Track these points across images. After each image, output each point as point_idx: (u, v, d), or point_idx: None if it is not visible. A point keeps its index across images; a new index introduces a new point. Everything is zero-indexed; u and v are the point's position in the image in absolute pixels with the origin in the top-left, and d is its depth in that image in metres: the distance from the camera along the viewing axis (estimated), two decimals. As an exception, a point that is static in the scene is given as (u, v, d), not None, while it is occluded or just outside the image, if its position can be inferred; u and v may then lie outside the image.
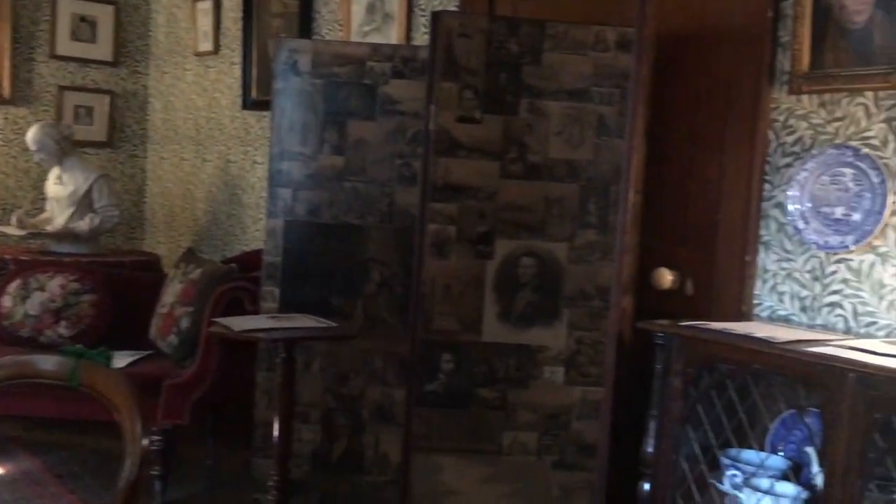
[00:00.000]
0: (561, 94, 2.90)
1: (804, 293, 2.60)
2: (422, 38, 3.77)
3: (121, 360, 3.75)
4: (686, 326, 2.33)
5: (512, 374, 2.94)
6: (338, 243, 3.48)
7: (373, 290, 3.47)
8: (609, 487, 2.67)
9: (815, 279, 2.57)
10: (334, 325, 3.14)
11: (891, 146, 2.41)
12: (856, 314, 2.47)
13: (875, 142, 2.44)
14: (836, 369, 1.97)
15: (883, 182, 2.40)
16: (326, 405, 3.46)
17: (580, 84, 2.90)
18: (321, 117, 3.44)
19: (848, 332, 2.47)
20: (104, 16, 5.54)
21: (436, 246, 2.91)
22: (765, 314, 2.69)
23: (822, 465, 2.03)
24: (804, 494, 2.21)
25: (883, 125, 2.43)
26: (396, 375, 3.37)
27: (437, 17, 2.90)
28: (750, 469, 2.32)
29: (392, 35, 3.93)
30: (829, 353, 2.03)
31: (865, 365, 1.94)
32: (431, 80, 2.89)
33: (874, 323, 2.43)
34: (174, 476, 3.67)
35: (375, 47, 3.48)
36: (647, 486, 2.37)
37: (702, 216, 2.87)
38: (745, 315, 2.71)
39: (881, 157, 2.42)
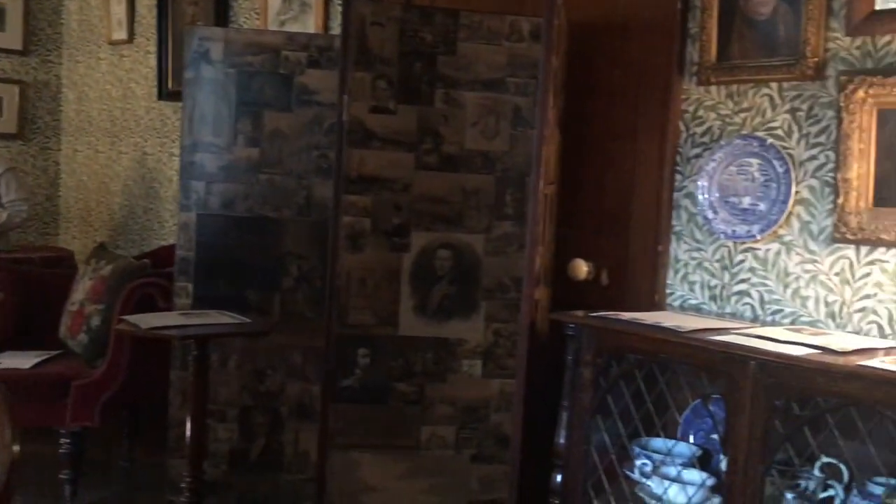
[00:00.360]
0: (476, 84, 2.87)
1: (714, 282, 2.63)
2: (339, 27, 3.70)
3: (27, 360, 3.60)
4: (595, 317, 2.33)
5: (429, 367, 2.91)
6: (254, 237, 3.40)
7: (290, 284, 3.40)
8: (526, 479, 2.66)
9: (724, 268, 2.61)
10: (248, 321, 3.07)
11: (794, 136, 2.45)
12: (762, 302, 2.51)
13: (780, 132, 2.48)
14: (738, 357, 1.99)
15: (787, 172, 2.44)
16: (244, 403, 3.38)
17: (495, 74, 2.88)
18: (235, 108, 3.35)
19: (755, 320, 2.50)
20: (13, 2, 5.31)
21: (350, 239, 2.86)
22: (677, 303, 2.72)
23: (724, 451, 2.05)
24: (710, 481, 2.23)
25: (787, 115, 2.47)
26: (316, 371, 3.31)
27: (348, 4, 2.84)
28: (659, 457, 2.33)
29: (310, 24, 3.86)
30: (730, 341, 2.05)
31: (766, 352, 1.96)
32: (344, 70, 2.84)
33: (780, 311, 2.47)
34: (86, 479, 3.55)
35: (290, 36, 3.41)
36: (559, 478, 2.37)
37: (617, 207, 2.88)
38: (657, 305, 2.73)
39: (785, 147, 2.46)
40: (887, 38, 2.26)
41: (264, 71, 3.33)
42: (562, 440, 2.35)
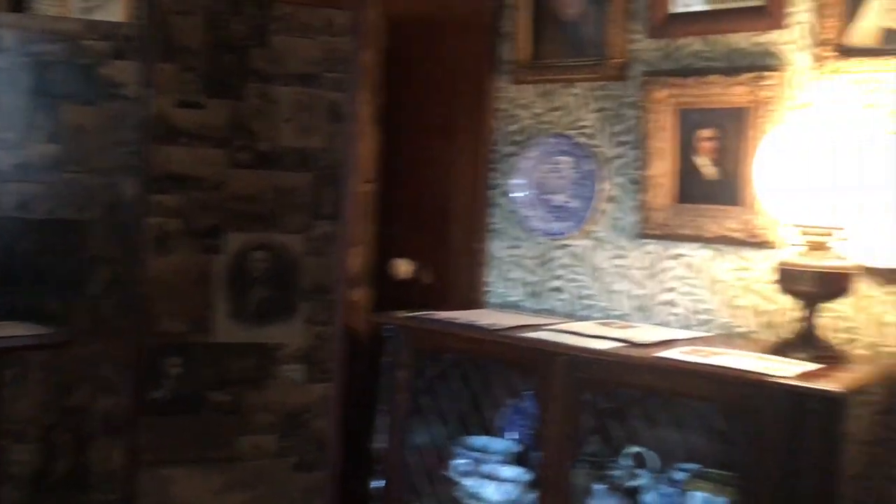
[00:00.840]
0: (291, 79, 2.78)
1: (531, 279, 2.66)
2: (149, 16, 3.48)
3: None
4: (411, 317, 2.29)
5: (247, 374, 2.79)
6: (56, 241, 3.12)
7: (98, 290, 3.15)
8: (349, 486, 2.60)
9: (541, 265, 2.64)
10: (46, 331, 2.81)
11: (602, 135, 2.51)
12: (576, 298, 2.56)
13: (589, 131, 2.54)
14: (547, 353, 2.00)
15: (596, 170, 2.50)
16: (46, 421, 3.11)
17: (311, 69, 2.79)
18: (29, 100, 3.07)
19: (571, 315, 2.54)
20: None
21: (159, 241, 2.69)
22: (496, 301, 2.73)
23: (538, 447, 2.06)
24: (526, 477, 2.24)
25: (595, 115, 2.52)
26: (127, 383, 3.10)
27: (151, -9, 2.66)
28: (478, 455, 2.33)
29: (117, 12, 3.60)
30: (540, 337, 2.06)
31: (573, 347, 1.98)
32: (147, 61, 2.66)
33: (593, 305, 2.53)
34: None
35: (91, 24, 3.15)
36: (379, 483, 2.31)
37: (437, 205, 2.87)
38: (477, 302, 2.73)
39: (594, 146, 2.52)
40: (684, 40, 2.35)
41: (62, 61, 3.07)
42: (380, 444, 2.30)
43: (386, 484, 2.31)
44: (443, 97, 2.81)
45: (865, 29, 2.06)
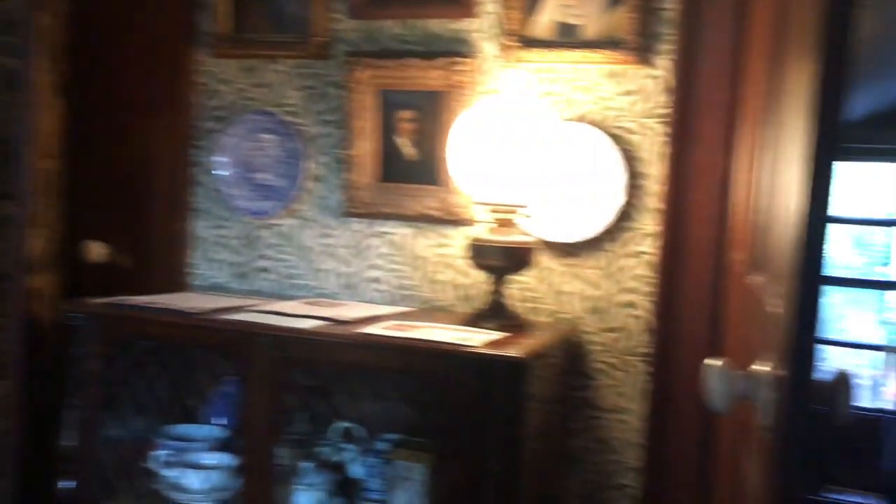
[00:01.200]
0: (-46, 39, 2.44)
1: (237, 260, 2.59)
2: None
3: None
4: (102, 304, 2.13)
5: None
6: None
7: None
8: (35, 490, 2.37)
9: (247, 245, 2.58)
10: None
11: (307, 113, 2.50)
12: (284, 278, 2.54)
13: (294, 109, 2.51)
14: (249, 335, 1.96)
15: (302, 148, 2.49)
16: None
17: (-22, 29, 2.47)
18: None
19: (278, 295, 2.51)
20: None
21: None
22: (202, 283, 2.63)
23: (242, 430, 2.02)
24: (232, 462, 2.19)
25: (300, 93, 2.50)
26: None
27: None
28: (181, 444, 2.23)
29: None
30: (242, 319, 2.01)
31: (275, 328, 1.96)
32: None
33: (301, 285, 2.52)
34: None
35: None
36: (69, 483, 2.13)
37: (134, 183, 2.69)
38: (180, 286, 2.61)
39: (299, 124, 2.50)
40: (385, 22, 2.40)
41: None
42: (69, 442, 2.12)
43: (77, 484, 2.14)
44: (138, 69, 2.63)
45: (543, 22, 2.24)
